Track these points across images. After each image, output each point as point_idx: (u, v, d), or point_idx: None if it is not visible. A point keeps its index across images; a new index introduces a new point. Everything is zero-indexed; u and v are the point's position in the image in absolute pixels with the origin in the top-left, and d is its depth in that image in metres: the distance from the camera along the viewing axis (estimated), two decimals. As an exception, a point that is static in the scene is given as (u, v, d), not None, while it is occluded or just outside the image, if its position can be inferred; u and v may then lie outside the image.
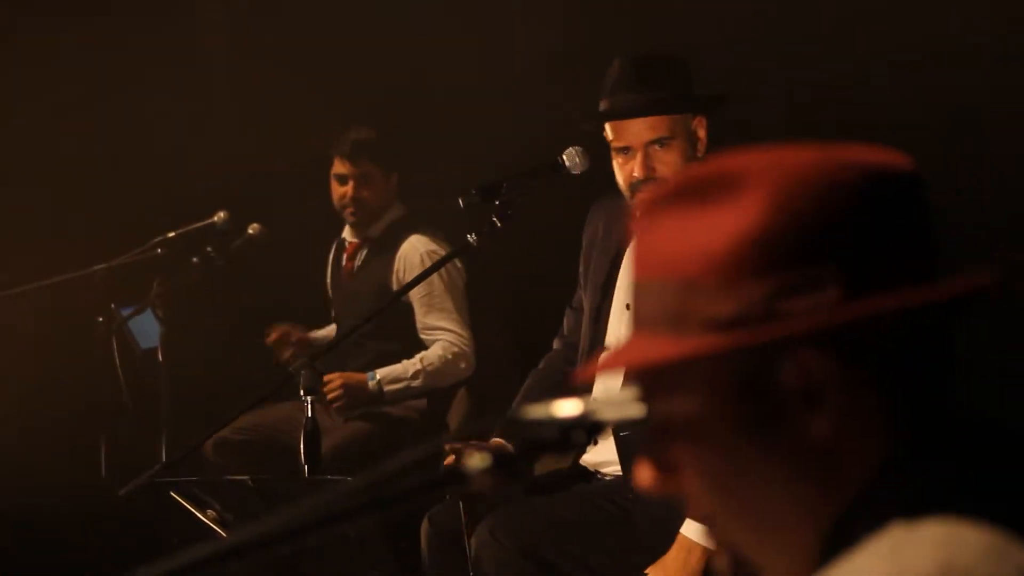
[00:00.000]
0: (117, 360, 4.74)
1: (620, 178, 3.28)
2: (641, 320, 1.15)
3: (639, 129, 3.23)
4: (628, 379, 1.17)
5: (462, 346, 4.61)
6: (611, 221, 3.39)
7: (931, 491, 1.03)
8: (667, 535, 3.06)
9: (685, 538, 3.03)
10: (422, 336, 4.64)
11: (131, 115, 5.34)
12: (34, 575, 4.87)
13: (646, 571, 3.07)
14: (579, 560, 3.16)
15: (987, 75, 4.03)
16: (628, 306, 3.26)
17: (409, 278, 4.59)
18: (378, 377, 4.57)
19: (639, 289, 1.15)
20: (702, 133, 3.28)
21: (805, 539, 1.09)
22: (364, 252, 4.78)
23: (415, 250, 4.66)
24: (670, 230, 1.12)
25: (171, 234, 4.81)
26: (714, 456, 1.11)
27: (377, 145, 4.73)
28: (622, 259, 3.33)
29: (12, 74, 5.37)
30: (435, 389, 4.63)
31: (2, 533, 4.86)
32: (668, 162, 3.22)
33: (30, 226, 5.17)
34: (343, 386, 4.53)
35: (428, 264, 4.57)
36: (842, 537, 1.04)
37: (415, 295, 4.61)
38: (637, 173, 3.22)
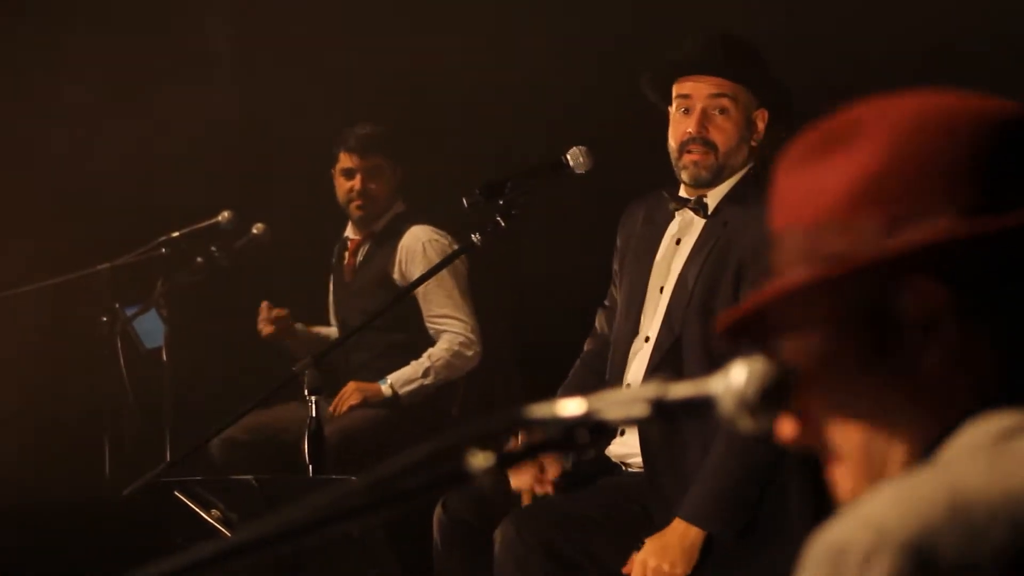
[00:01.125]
0: (121, 359, 4.74)
1: (673, 138, 3.26)
2: (777, 269, 1.19)
3: (705, 87, 3.22)
4: (762, 324, 1.20)
5: (468, 334, 4.62)
6: (650, 210, 3.37)
7: None
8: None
9: (682, 522, 3.05)
10: (428, 325, 4.64)
11: (135, 114, 5.33)
12: (38, 574, 4.87)
13: (644, 539, 3.08)
14: (601, 558, 3.16)
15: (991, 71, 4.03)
16: (661, 289, 3.27)
17: (411, 267, 4.62)
18: (390, 382, 4.57)
19: (775, 241, 1.19)
20: (761, 125, 3.24)
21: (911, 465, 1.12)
22: (366, 247, 4.78)
23: (416, 239, 4.66)
24: (798, 179, 1.17)
25: (175, 233, 4.81)
26: (839, 388, 1.14)
27: (384, 138, 4.74)
28: (660, 243, 3.32)
29: (17, 74, 5.37)
30: (448, 380, 4.63)
31: (6, 532, 4.86)
32: (723, 129, 3.21)
33: (35, 225, 5.17)
34: (363, 399, 4.53)
35: (430, 252, 4.60)
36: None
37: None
38: (691, 129, 3.20)
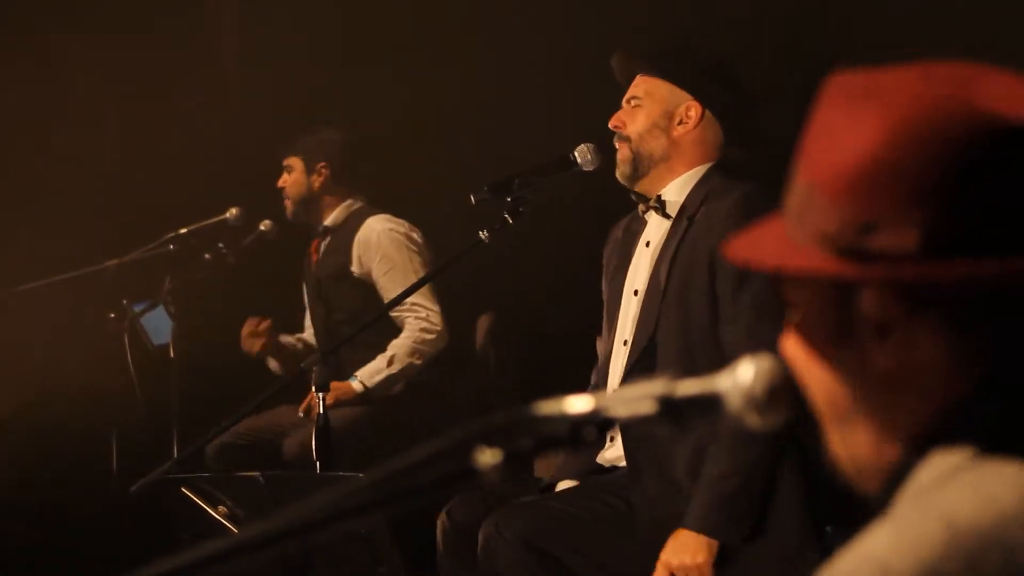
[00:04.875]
0: (129, 355, 4.75)
1: None
2: (787, 206, 1.21)
3: (631, 87, 3.33)
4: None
5: (430, 320, 4.64)
6: (628, 224, 3.40)
7: (996, 431, 1.10)
8: (669, 529, 3.08)
9: (691, 533, 3.05)
10: (391, 314, 4.65)
11: (144, 112, 5.34)
12: (45, 571, 4.88)
13: (627, 536, 3.08)
14: (582, 554, 3.17)
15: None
16: (636, 292, 3.29)
17: (368, 258, 4.69)
18: (359, 378, 4.59)
19: (792, 175, 1.21)
20: (691, 115, 3.27)
21: (880, 457, 1.16)
22: (326, 242, 4.82)
23: (372, 230, 4.72)
24: (820, 127, 1.18)
25: (183, 230, 4.81)
26: (811, 354, 1.19)
27: (304, 138, 4.83)
28: (634, 250, 3.34)
29: (24, 72, 5.38)
30: (415, 366, 4.62)
31: (14, 528, 4.87)
32: (634, 120, 3.29)
33: (43, 222, 5.17)
34: (336, 399, 4.54)
35: (384, 240, 4.68)
36: (911, 462, 1.12)
37: (378, 275, 4.67)
38: (610, 122, 3.32)
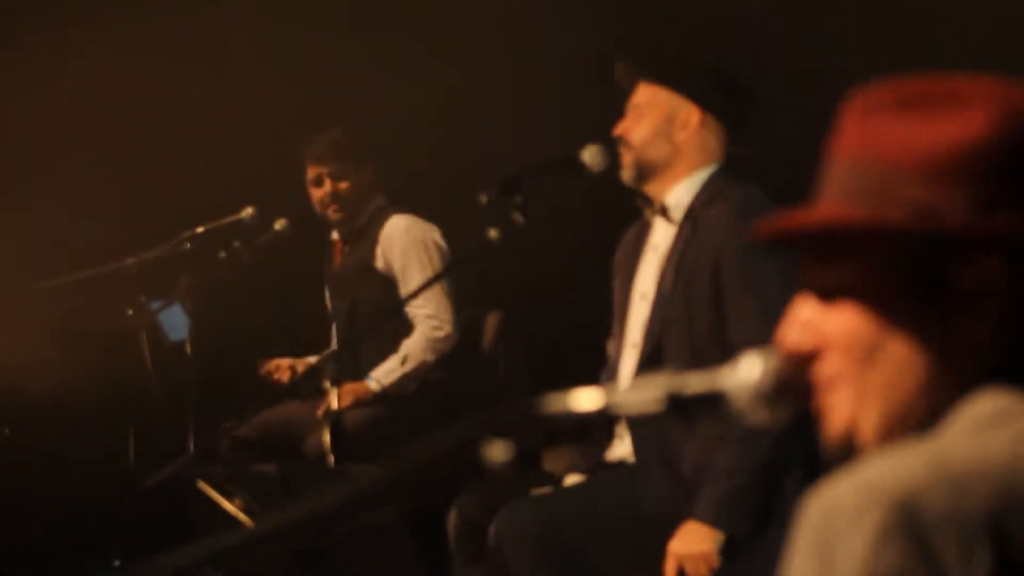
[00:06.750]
0: (146, 352, 4.78)
1: None
2: (831, 191, 1.20)
3: (634, 96, 3.35)
4: (806, 239, 1.22)
5: (440, 316, 4.64)
6: (638, 229, 3.42)
7: None
8: (676, 525, 3.08)
9: (700, 524, 3.07)
10: (406, 311, 4.67)
11: (160, 112, 5.36)
12: (62, 563, 4.91)
13: (670, 544, 3.07)
14: (590, 550, 3.18)
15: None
16: (644, 295, 3.31)
17: (392, 255, 4.66)
18: (375, 377, 4.62)
19: (839, 165, 1.20)
20: (693, 120, 3.28)
21: (932, 422, 1.15)
22: (351, 243, 4.83)
23: (396, 227, 4.70)
24: (886, 123, 1.17)
25: (199, 229, 4.83)
26: (866, 326, 1.16)
27: (345, 140, 4.76)
28: (642, 255, 3.37)
29: (39, 67, 5.40)
30: (428, 364, 4.65)
31: (32, 522, 4.90)
32: (636, 126, 3.31)
33: (62, 220, 5.21)
34: (355, 399, 4.56)
35: (410, 237, 4.66)
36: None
37: (397, 270, 4.67)
38: (614, 130, 3.33)
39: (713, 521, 3.05)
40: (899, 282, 1.16)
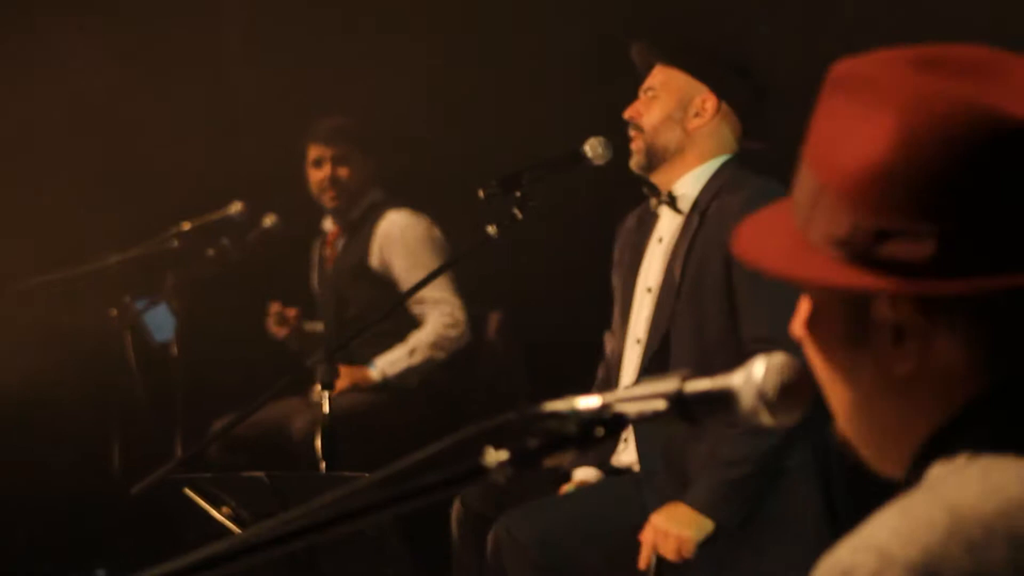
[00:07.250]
0: (131, 353, 4.73)
1: None
2: (795, 200, 1.20)
3: (648, 78, 3.32)
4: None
5: (454, 314, 4.62)
6: (640, 217, 3.39)
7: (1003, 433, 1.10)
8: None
9: (688, 508, 3.04)
10: (413, 309, 4.61)
11: (147, 107, 5.32)
12: (45, 573, 4.87)
13: (652, 516, 3.07)
14: (593, 557, 3.16)
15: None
16: (649, 289, 3.26)
17: (390, 252, 4.65)
18: (379, 366, 4.57)
19: (801, 160, 1.20)
20: (708, 107, 3.24)
21: (900, 450, 1.16)
22: (345, 237, 4.78)
23: (393, 224, 4.69)
24: (827, 121, 1.17)
25: (186, 226, 4.78)
26: (820, 352, 1.19)
27: (353, 127, 4.76)
28: (647, 247, 3.30)
29: (25, 64, 5.36)
30: (435, 360, 4.58)
31: (15, 528, 4.85)
32: (649, 110, 3.28)
33: (44, 217, 5.15)
34: (352, 384, 4.52)
35: (408, 236, 4.65)
36: (927, 457, 1.13)
37: (400, 270, 4.63)
38: (625, 112, 3.30)
39: (703, 508, 3.06)
40: (836, 317, 1.17)
